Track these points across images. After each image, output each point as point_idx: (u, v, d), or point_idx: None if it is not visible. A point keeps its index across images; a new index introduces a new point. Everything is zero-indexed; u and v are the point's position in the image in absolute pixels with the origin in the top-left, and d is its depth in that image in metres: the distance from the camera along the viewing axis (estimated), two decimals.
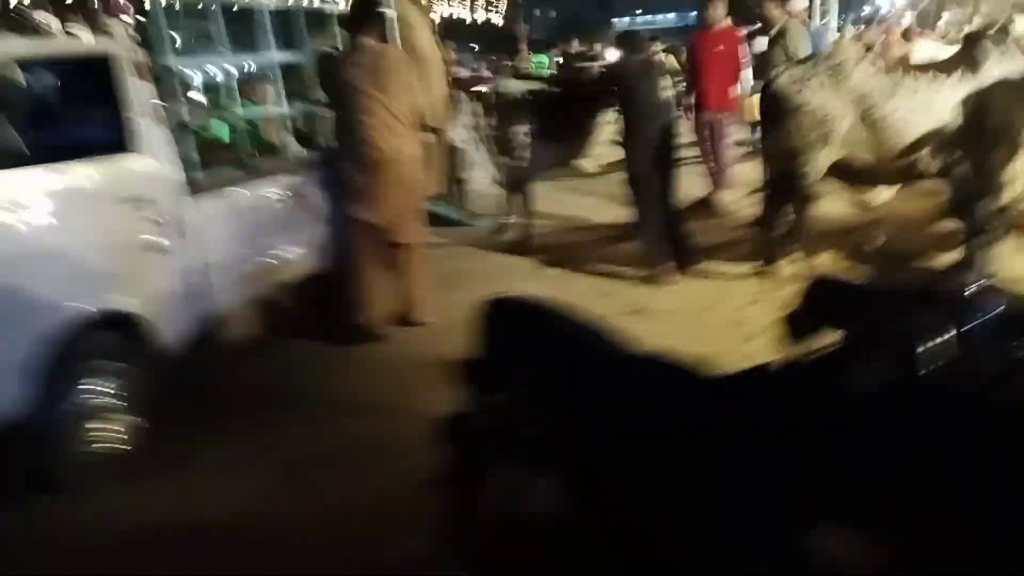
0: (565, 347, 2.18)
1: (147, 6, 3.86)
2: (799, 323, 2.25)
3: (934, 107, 4.86)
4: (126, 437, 3.57)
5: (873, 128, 4.94)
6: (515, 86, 7.55)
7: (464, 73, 7.90)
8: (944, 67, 5.00)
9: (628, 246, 6.55)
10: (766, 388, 1.79)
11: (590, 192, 8.15)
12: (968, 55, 5.00)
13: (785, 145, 5.15)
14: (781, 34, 6.45)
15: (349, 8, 4.87)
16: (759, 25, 10.50)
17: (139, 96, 3.66)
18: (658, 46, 13.69)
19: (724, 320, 4.99)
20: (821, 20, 16.87)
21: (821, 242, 6.13)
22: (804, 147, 5.06)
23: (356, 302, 4.91)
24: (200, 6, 4.46)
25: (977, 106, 4.81)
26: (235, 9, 4.51)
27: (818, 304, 2.32)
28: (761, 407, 1.72)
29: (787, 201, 5.36)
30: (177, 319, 3.84)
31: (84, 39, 3.49)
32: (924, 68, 5.02)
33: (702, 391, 1.89)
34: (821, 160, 5.08)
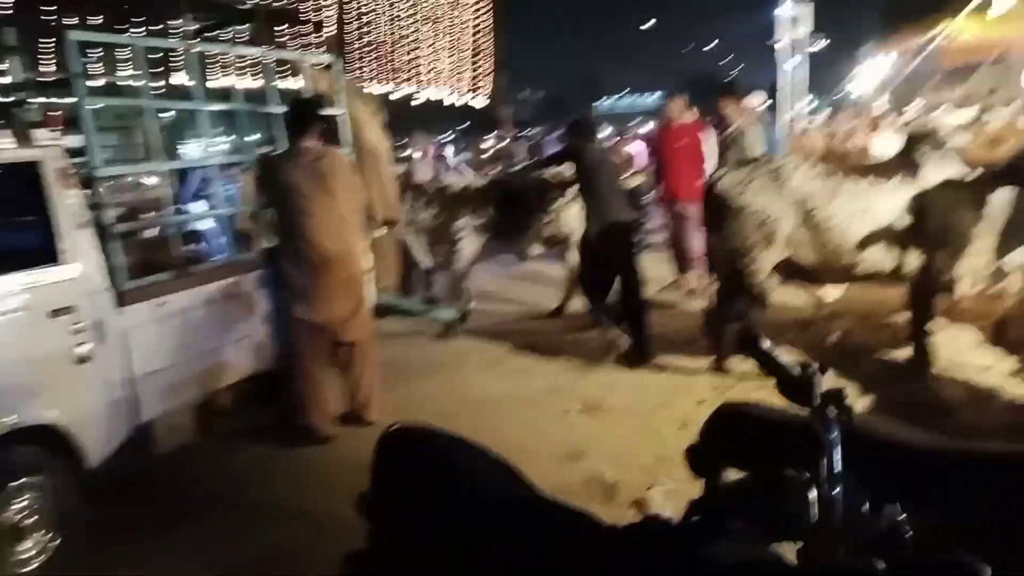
0: (458, 486, 2.11)
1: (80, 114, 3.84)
2: (701, 458, 2.19)
3: (875, 210, 4.89)
4: (42, 553, 3.44)
5: (815, 230, 4.97)
6: (458, 180, 7.69)
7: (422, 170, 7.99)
8: (884, 170, 5.04)
9: (586, 336, 6.56)
10: (653, 546, 1.75)
11: (550, 280, 8.16)
12: (908, 159, 5.05)
13: (730, 245, 5.17)
14: (739, 135, 6.53)
15: (289, 112, 4.91)
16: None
17: (66, 205, 3.65)
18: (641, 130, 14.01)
19: (676, 419, 4.92)
20: (791, 108, 17.33)
21: (777, 337, 6.14)
22: (748, 248, 5.09)
23: (301, 403, 4.84)
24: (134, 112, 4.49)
25: (918, 209, 4.85)
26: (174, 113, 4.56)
27: (719, 438, 2.27)
28: (648, 565, 1.68)
29: (737, 298, 5.35)
30: (102, 428, 3.76)
31: (9, 149, 3.48)
32: (865, 171, 5.07)
33: (590, 543, 1.84)
34: (765, 260, 5.10)
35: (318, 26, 6.09)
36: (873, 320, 6.35)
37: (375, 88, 37.71)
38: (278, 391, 4.96)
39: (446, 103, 40.44)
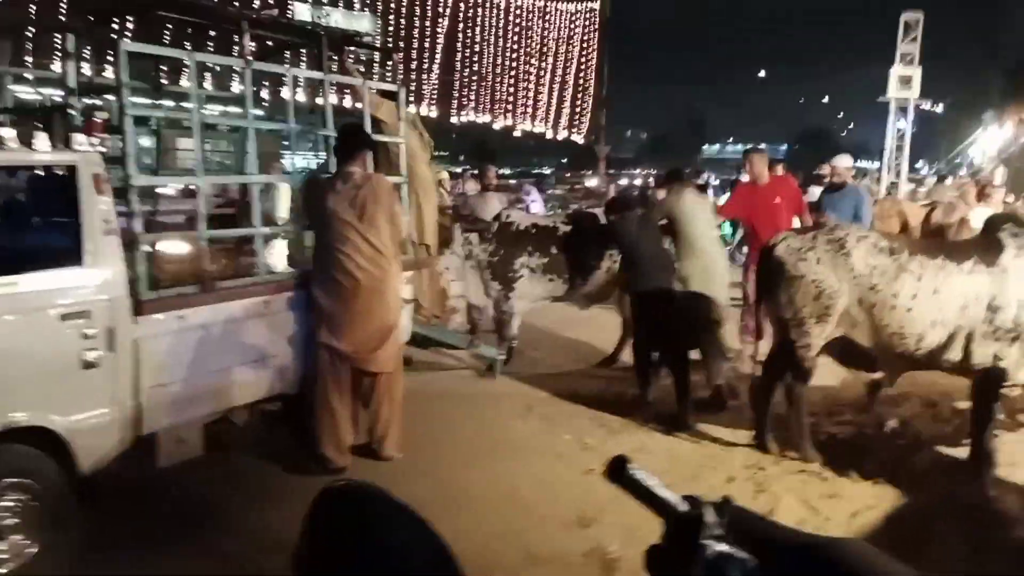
0: (380, 566, 1.95)
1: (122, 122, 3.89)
2: (662, 563, 1.96)
3: (941, 296, 4.50)
4: (17, 558, 3.42)
5: (872, 311, 4.60)
6: (522, 218, 7.54)
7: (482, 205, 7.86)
8: (956, 254, 4.63)
9: (629, 393, 6.30)
10: None
11: (605, 328, 7.90)
12: (984, 244, 4.64)
13: (782, 314, 4.86)
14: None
15: (338, 136, 4.88)
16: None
17: (96, 210, 3.67)
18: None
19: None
20: (893, 171, 16.62)
21: (828, 418, 5.75)
22: (801, 320, 4.76)
23: (317, 431, 4.75)
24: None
25: (988, 301, 4.44)
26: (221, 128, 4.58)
27: (684, 544, 2.03)
28: None
29: (784, 371, 5.01)
30: (100, 436, 3.73)
31: (43, 151, 3.53)
32: (934, 252, 4.66)
33: None
34: (817, 335, 4.75)
35: (387, 52, 6.06)
36: (938, 410, 5.88)
37: (478, 117, 38.41)
38: (297, 415, 4.91)
39: (547, 136, 40.92)
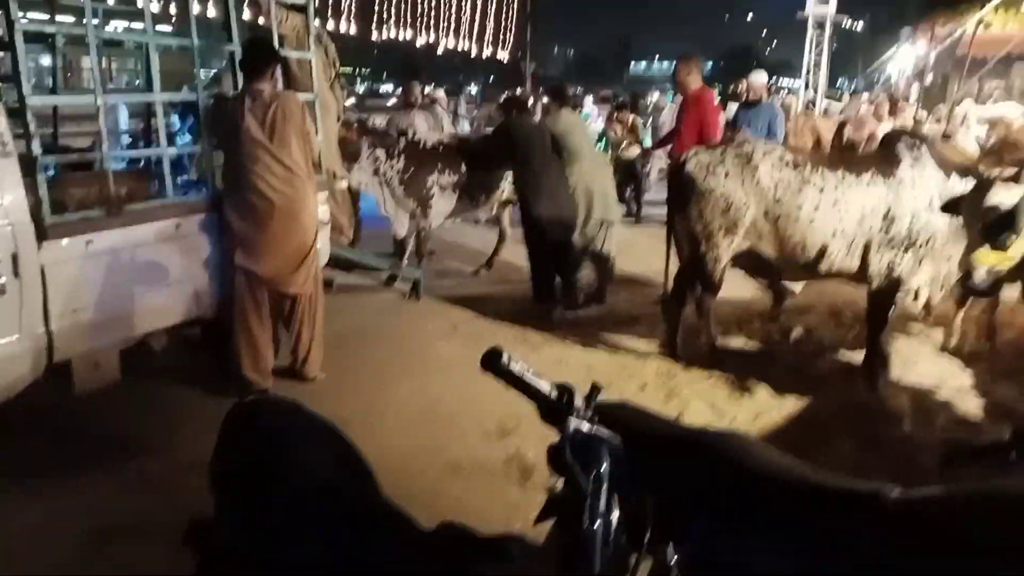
0: (287, 474, 2.02)
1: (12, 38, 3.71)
2: (561, 457, 2.09)
3: (841, 207, 4.69)
4: None
5: (777, 222, 4.78)
6: (430, 135, 7.50)
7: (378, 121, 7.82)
8: (855, 167, 4.82)
9: (548, 308, 6.45)
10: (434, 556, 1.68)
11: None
12: (881, 157, 4.84)
13: (692, 228, 5.01)
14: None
15: (244, 51, 4.74)
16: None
17: None
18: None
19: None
20: (812, 88, 16.91)
21: (735, 327, 6.00)
22: (709, 233, 4.92)
23: (237, 354, 4.75)
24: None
25: (885, 211, 4.66)
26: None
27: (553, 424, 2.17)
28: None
29: (694, 283, 5.19)
30: (10, 363, 3.67)
31: None
32: (836, 166, 4.84)
33: (391, 547, 1.77)
34: (725, 248, 4.92)
35: None
36: (841, 318, 6.19)
37: (399, 33, 37.43)
38: (216, 339, 4.89)
39: (472, 55, 40.31)
